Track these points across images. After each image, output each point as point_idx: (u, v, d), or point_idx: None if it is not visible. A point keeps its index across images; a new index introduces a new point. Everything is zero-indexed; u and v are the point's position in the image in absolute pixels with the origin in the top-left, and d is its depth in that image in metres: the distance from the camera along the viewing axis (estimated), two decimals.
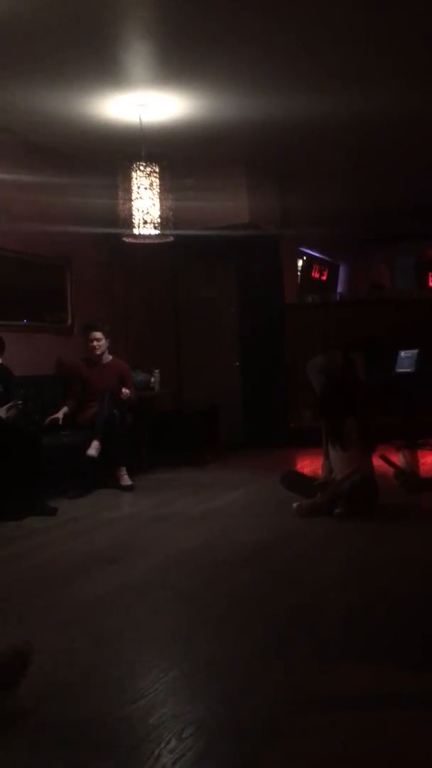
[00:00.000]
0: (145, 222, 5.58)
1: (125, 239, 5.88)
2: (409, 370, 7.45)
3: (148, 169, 5.55)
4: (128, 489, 5.73)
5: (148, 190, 5.55)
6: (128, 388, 6.00)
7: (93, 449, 5.51)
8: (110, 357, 6.22)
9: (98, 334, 6.12)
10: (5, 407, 5.04)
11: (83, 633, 2.79)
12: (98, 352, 6.12)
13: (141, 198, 5.54)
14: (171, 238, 5.92)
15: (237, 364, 8.15)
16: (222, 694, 2.24)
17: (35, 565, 3.77)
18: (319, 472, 5.04)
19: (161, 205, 5.60)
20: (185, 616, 2.95)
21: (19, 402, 5.18)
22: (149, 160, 5.57)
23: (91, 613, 3.01)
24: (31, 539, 4.32)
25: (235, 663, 2.48)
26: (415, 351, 7.45)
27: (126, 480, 5.80)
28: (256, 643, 2.64)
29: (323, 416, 4.93)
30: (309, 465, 6.03)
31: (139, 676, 2.39)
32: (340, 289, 10.83)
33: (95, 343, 6.11)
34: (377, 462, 4.93)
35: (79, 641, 2.71)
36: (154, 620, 2.92)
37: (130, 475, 5.86)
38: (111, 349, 6.27)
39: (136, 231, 5.61)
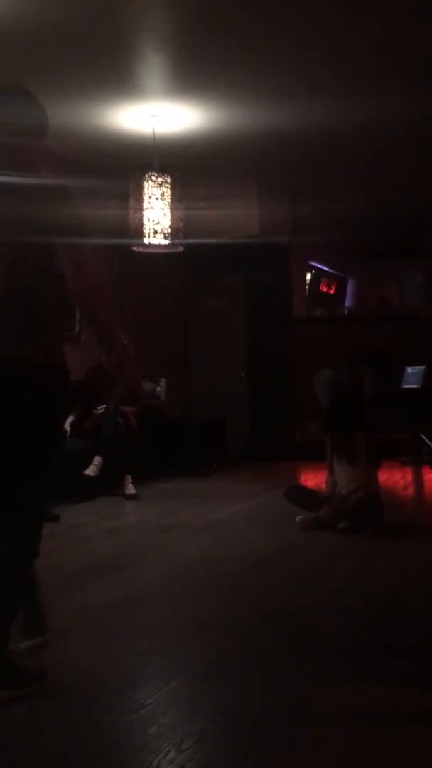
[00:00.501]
0: (156, 232, 5.61)
1: (135, 249, 5.90)
2: (415, 386, 7.44)
3: (160, 180, 5.59)
4: (133, 497, 5.72)
5: (160, 201, 5.58)
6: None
7: (91, 469, 5.51)
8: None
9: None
10: None
11: (84, 642, 2.78)
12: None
13: (152, 208, 5.58)
14: (181, 248, 5.94)
15: (243, 375, 8.16)
16: (222, 705, 2.23)
17: (37, 571, 3.76)
18: (324, 486, 5.03)
19: (172, 216, 5.63)
20: (187, 627, 2.94)
21: None
22: (161, 170, 5.61)
23: (92, 621, 3.00)
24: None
25: (235, 675, 2.47)
26: (422, 367, 7.44)
27: (131, 488, 5.80)
28: (256, 656, 2.63)
29: (331, 430, 4.91)
30: (313, 478, 6.02)
31: (140, 686, 2.38)
32: (348, 303, 10.83)
33: None
34: (382, 478, 4.93)
35: (80, 650, 2.70)
36: (155, 630, 2.91)
37: (135, 483, 5.86)
38: None
39: (146, 241, 5.64)
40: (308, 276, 9.58)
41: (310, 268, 9.62)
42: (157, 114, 5.43)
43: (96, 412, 5.91)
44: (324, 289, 10.29)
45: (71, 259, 2.33)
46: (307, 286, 9.48)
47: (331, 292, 10.50)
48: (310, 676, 2.43)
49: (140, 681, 2.43)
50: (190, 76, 4.89)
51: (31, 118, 2.47)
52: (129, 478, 5.84)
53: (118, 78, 4.85)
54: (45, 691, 2.35)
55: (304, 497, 4.95)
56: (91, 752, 1.97)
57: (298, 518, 4.62)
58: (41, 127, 2.52)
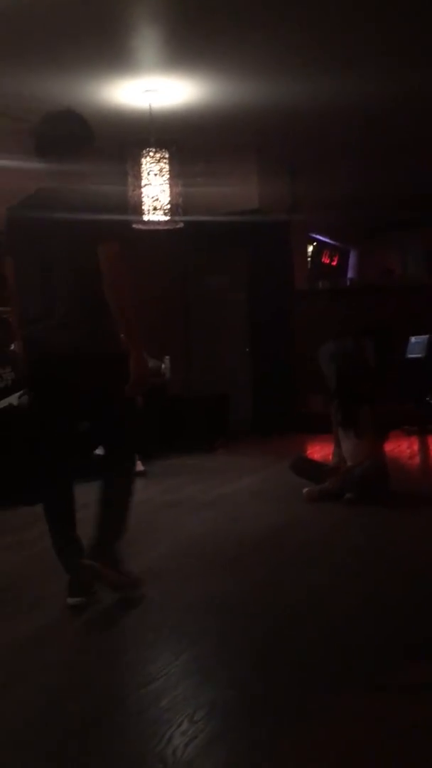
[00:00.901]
0: (155, 209, 5.57)
1: (135, 226, 5.87)
2: (419, 355, 7.43)
3: (158, 156, 5.54)
4: (139, 474, 5.75)
5: (158, 177, 5.54)
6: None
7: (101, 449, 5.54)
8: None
9: None
10: (17, 394, 5.07)
11: (94, 618, 2.82)
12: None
13: (151, 184, 5.54)
14: (181, 225, 5.91)
15: (247, 350, 8.15)
16: (232, 678, 2.27)
17: (47, 550, 3.80)
18: (330, 458, 5.05)
19: (171, 192, 5.59)
20: (195, 602, 2.98)
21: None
22: (159, 146, 5.56)
23: (101, 597, 3.03)
24: (43, 525, 4.35)
25: (244, 649, 2.51)
26: (426, 337, 7.43)
27: (138, 465, 5.82)
28: (266, 628, 2.66)
29: (341, 401, 4.91)
30: (319, 451, 6.04)
31: (151, 660, 2.42)
32: (350, 274, 10.78)
33: None
34: (388, 448, 4.95)
35: (89, 626, 2.74)
36: (164, 605, 2.94)
37: (141, 460, 5.89)
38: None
39: (145, 218, 5.61)
40: (310, 248, 9.54)
41: (311, 241, 9.57)
42: (153, 88, 5.37)
43: None
44: (326, 261, 10.25)
45: (104, 266, 2.69)
46: (308, 259, 9.44)
47: (334, 264, 10.46)
48: (318, 649, 2.46)
49: (151, 655, 2.47)
50: (186, 49, 4.83)
51: (81, 133, 2.96)
52: (135, 456, 5.87)
53: (111, 52, 4.79)
54: (57, 667, 2.40)
55: (309, 469, 4.97)
56: (105, 725, 2.01)
57: (304, 490, 4.65)
58: (89, 141, 3.02)
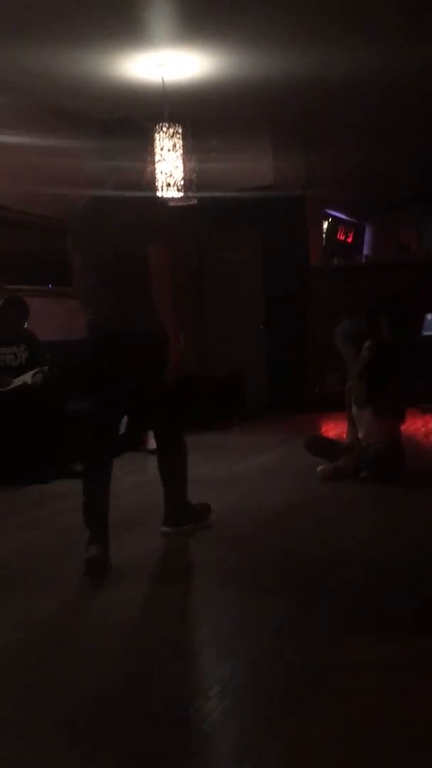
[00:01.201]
0: (169, 185, 5.52)
1: None
2: None
3: (171, 131, 5.48)
4: (154, 453, 5.76)
5: (171, 152, 5.49)
6: None
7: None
8: None
9: None
10: (31, 373, 5.08)
11: (111, 595, 2.84)
12: None
13: (164, 160, 5.48)
14: (195, 201, 5.86)
15: (261, 328, 8.11)
16: (247, 655, 2.27)
17: (63, 528, 3.82)
18: (344, 437, 5.03)
19: (184, 167, 5.54)
20: (210, 579, 2.99)
21: (45, 367, 5.22)
22: (172, 120, 5.50)
23: (118, 575, 3.05)
24: (58, 503, 4.38)
25: (259, 626, 2.51)
26: None
27: (152, 443, 5.84)
28: (280, 607, 2.66)
29: (358, 379, 4.88)
30: (333, 429, 6.02)
31: (170, 637, 2.42)
32: (366, 251, 10.68)
33: None
34: (404, 426, 4.92)
35: (107, 603, 2.76)
36: (180, 583, 2.96)
37: (153, 438, 5.89)
38: None
39: (159, 194, 5.56)
40: (325, 225, 9.44)
41: (326, 217, 9.47)
42: (166, 63, 5.30)
43: None
44: (341, 237, 10.15)
45: (152, 263, 3.11)
46: (323, 235, 9.35)
47: (349, 240, 10.35)
48: (334, 627, 2.46)
49: (166, 633, 2.48)
50: (199, 22, 4.75)
51: (138, 143, 3.29)
52: (150, 434, 5.88)
53: (123, 26, 4.72)
54: (74, 644, 2.41)
55: (324, 447, 4.96)
56: (120, 702, 2.02)
57: (318, 468, 4.64)
58: (143, 148, 3.38)
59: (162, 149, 5.49)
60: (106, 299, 3.15)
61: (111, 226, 3.10)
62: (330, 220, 9.69)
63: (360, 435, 4.79)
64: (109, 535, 3.14)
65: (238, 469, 5.12)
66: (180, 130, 5.52)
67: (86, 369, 3.32)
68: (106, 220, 3.12)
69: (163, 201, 3.45)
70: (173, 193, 5.57)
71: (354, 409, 4.87)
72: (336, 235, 9.96)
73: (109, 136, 3.25)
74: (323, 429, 6.38)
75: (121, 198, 3.16)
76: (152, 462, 5.55)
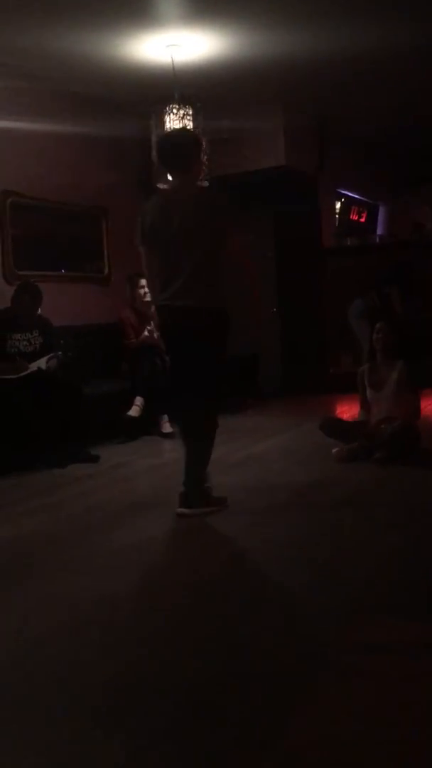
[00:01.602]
0: None
1: (159, 185, 5.80)
2: None
3: (182, 112, 5.44)
4: (169, 436, 5.79)
5: None
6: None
7: (134, 410, 5.58)
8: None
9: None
10: (45, 358, 5.10)
11: (127, 577, 2.86)
12: (148, 299, 6.07)
13: None
14: (206, 183, 5.82)
15: (275, 310, 8.08)
16: (261, 635, 2.29)
17: (79, 511, 3.86)
18: (357, 418, 5.03)
19: None
20: (227, 561, 3.00)
21: (59, 352, 5.24)
22: (182, 102, 5.46)
23: (135, 557, 3.08)
24: (74, 487, 4.41)
25: (274, 606, 2.53)
26: None
27: (167, 427, 5.86)
28: (295, 587, 2.68)
29: (374, 357, 4.87)
30: (348, 410, 6.00)
31: (183, 619, 2.45)
32: (379, 230, 10.58)
33: (146, 290, 6.06)
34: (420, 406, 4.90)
35: (125, 586, 2.79)
36: (196, 565, 2.98)
37: (169, 421, 5.92)
38: None
39: (169, 177, 5.53)
40: (338, 205, 9.36)
41: (339, 197, 9.38)
42: (176, 43, 5.25)
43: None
44: (354, 217, 10.05)
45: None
46: (336, 216, 9.27)
47: (362, 220, 10.25)
48: (347, 608, 2.47)
49: (184, 613, 2.50)
50: (209, 1, 4.70)
51: (190, 152, 3.67)
52: (165, 417, 5.90)
53: (132, 6, 4.68)
54: (93, 624, 2.44)
55: (339, 429, 4.95)
56: (138, 682, 2.04)
57: (333, 450, 4.64)
58: (198, 157, 3.76)
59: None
60: (174, 283, 3.53)
61: (178, 219, 3.51)
62: (343, 200, 9.60)
63: (375, 416, 4.78)
64: (143, 508, 3.59)
65: (253, 451, 5.13)
66: (190, 112, 5.47)
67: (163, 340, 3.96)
68: (174, 214, 3.52)
69: (223, 196, 3.80)
70: None
71: (368, 390, 4.86)
72: (349, 215, 9.87)
73: (167, 144, 3.81)
74: (338, 410, 6.37)
75: (186, 194, 3.61)
76: (168, 445, 5.59)
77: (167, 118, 5.44)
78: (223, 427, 6.24)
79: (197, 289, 3.51)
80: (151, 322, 5.95)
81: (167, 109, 5.44)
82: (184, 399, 3.71)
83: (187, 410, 3.73)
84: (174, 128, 4.32)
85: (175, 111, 5.43)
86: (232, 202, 8.21)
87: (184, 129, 3.92)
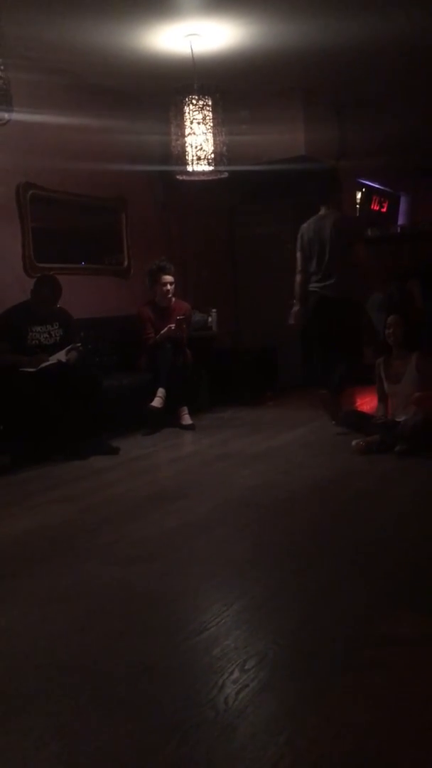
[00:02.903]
0: (199, 158, 5.46)
1: (179, 177, 5.78)
2: None
3: (201, 103, 5.40)
4: (189, 428, 5.79)
5: (201, 125, 5.41)
6: (183, 328, 5.94)
7: (157, 401, 5.58)
8: (173, 299, 6.15)
9: (171, 278, 6.02)
10: (65, 350, 5.11)
11: (146, 569, 2.86)
12: (170, 296, 6.05)
13: (194, 133, 5.42)
14: (225, 174, 5.79)
15: (294, 301, 8.02)
16: (282, 628, 2.28)
17: (100, 503, 3.87)
18: (376, 411, 5.00)
19: (215, 140, 5.46)
20: (247, 553, 3.00)
21: (79, 345, 5.25)
22: (201, 92, 5.42)
23: (154, 549, 3.08)
24: (94, 478, 4.43)
25: (296, 599, 2.52)
26: None
27: (187, 419, 5.86)
28: (317, 580, 2.67)
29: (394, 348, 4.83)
30: (368, 403, 5.97)
31: (203, 610, 2.45)
32: (401, 221, 10.49)
33: (168, 287, 6.02)
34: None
35: (143, 577, 2.79)
36: (216, 556, 2.97)
37: (191, 414, 5.92)
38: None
39: (189, 168, 5.51)
40: (359, 195, 9.29)
41: (360, 187, 9.31)
42: (195, 32, 5.22)
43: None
44: (375, 207, 9.97)
45: (356, 255, 5.46)
46: (357, 206, 9.20)
47: (383, 210, 10.17)
48: (370, 602, 2.46)
49: (202, 605, 2.50)
50: None
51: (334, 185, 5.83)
52: (185, 410, 5.90)
53: None
54: (112, 615, 2.45)
55: (359, 422, 4.93)
56: (157, 673, 2.05)
57: (353, 443, 4.62)
58: (339, 188, 5.82)
59: (191, 122, 5.42)
60: (323, 276, 5.44)
61: (326, 233, 5.42)
62: (364, 190, 9.52)
63: (393, 408, 4.75)
64: (163, 500, 3.74)
65: (273, 444, 5.12)
66: (210, 102, 5.44)
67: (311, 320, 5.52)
68: (324, 229, 5.46)
69: (358, 218, 5.64)
70: (203, 167, 5.52)
71: (385, 383, 4.84)
72: (370, 206, 9.79)
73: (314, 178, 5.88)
74: (357, 403, 6.34)
75: (331, 217, 5.52)
76: (188, 437, 5.60)
77: (186, 109, 5.40)
78: (244, 420, 6.28)
79: (340, 283, 5.37)
80: (177, 317, 5.93)
81: (187, 99, 5.41)
82: (330, 358, 5.32)
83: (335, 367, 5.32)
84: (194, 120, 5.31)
85: (194, 101, 5.40)
86: (253, 193, 8.42)
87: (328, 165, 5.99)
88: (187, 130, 5.40)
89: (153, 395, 5.63)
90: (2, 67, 3.83)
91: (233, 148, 5.67)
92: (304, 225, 5.64)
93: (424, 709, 1.80)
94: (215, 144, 5.47)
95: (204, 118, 5.39)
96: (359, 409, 5.74)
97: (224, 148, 5.53)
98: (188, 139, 5.42)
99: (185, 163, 5.50)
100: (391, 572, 2.70)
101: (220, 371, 6.90)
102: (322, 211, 5.62)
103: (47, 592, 2.67)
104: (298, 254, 5.61)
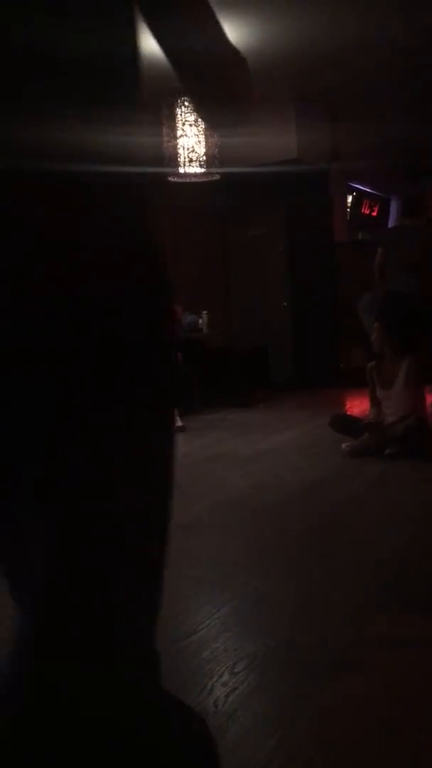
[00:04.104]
0: (191, 160, 5.47)
1: (171, 179, 5.78)
2: None
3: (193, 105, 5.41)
4: (180, 430, 5.79)
5: (194, 127, 5.42)
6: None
7: None
8: None
9: None
10: None
11: None
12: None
13: (186, 135, 5.42)
14: (217, 176, 5.80)
15: (285, 304, 8.05)
16: (273, 631, 2.28)
17: None
18: (368, 414, 5.00)
19: (207, 142, 5.47)
20: (237, 555, 3.00)
21: None
22: None
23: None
24: None
25: (286, 601, 2.52)
26: None
27: (177, 421, 5.85)
28: (307, 582, 2.67)
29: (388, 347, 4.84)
30: (359, 405, 5.98)
31: (192, 612, 2.44)
32: (391, 224, 10.52)
33: None
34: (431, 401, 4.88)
35: None
36: (206, 558, 2.97)
37: (181, 416, 5.92)
38: None
39: (181, 170, 5.51)
40: (349, 199, 9.31)
41: (351, 190, 9.33)
42: None
43: None
44: (366, 211, 9.99)
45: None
46: (348, 209, 9.23)
47: (374, 214, 10.20)
48: (360, 604, 2.46)
49: (192, 607, 2.49)
50: None
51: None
52: (176, 411, 5.89)
53: None
54: None
55: (349, 425, 4.93)
56: None
57: (344, 445, 4.62)
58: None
59: (184, 124, 5.43)
60: (405, 278, 5.61)
61: (408, 240, 5.72)
62: (354, 193, 9.55)
63: (385, 412, 4.75)
64: None
65: (264, 446, 5.12)
66: None
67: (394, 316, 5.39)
68: (407, 237, 5.80)
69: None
70: (195, 169, 5.52)
71: (378, 387, 4.84)
72: (360, 209, 9.81)
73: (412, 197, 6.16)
74: (348, 406, 6.35)
75: (411, 226, 5.92)
76: (178, 439, 5.59)
77: (178, 111, 5.41)
78: (235, 422, 6.28)
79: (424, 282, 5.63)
80: (180, 318, 5.94)
81: (179, 101, 5.42)
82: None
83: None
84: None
85: (186, 103, 5.40)
86: (245, 195, 8.42)
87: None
88: (179, 132, 5.41)
89: None
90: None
91: (225, 150, 5.68)
92: (389, 230, 6.69)
93: (415, 710, 1.80)
94: (207, 146, 5.48)
95: (196, 120, 5.40)
96: (348, 412, 5.75)
97: (216, 150, 5.54)
98: (180, 141, 5.43)
99: (177, 165, 5.50)
100: (380, 574, 2.70)
101: (211, 372, 6.90)
102: (407, 222, 6.08)
103: None
104: (382, 251, 6.06)
